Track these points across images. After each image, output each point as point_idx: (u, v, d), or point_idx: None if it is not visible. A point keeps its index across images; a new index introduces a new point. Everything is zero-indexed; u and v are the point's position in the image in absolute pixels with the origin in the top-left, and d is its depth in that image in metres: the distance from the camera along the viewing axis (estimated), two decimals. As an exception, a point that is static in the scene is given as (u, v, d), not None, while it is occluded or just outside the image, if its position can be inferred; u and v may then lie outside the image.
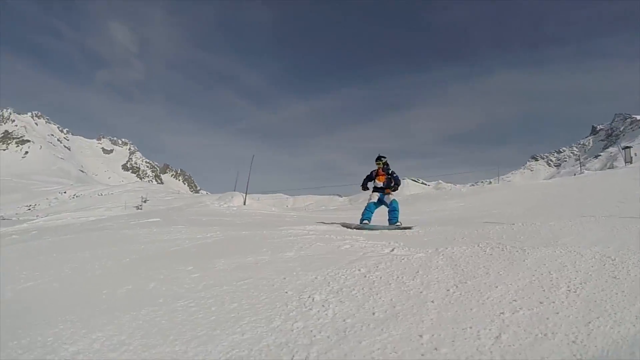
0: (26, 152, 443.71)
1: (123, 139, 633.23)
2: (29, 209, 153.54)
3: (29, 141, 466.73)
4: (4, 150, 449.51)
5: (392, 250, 4.88)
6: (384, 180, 8.74)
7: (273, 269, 4.11)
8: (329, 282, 3.56)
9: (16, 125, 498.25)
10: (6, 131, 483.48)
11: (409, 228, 7.48)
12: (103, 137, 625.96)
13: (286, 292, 3.33)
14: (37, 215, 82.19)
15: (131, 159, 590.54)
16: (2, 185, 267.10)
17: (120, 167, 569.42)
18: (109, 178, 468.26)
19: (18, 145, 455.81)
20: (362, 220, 8.36)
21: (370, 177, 8.92)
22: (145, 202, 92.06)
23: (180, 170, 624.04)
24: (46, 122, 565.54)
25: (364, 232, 7.24)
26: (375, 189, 8.82)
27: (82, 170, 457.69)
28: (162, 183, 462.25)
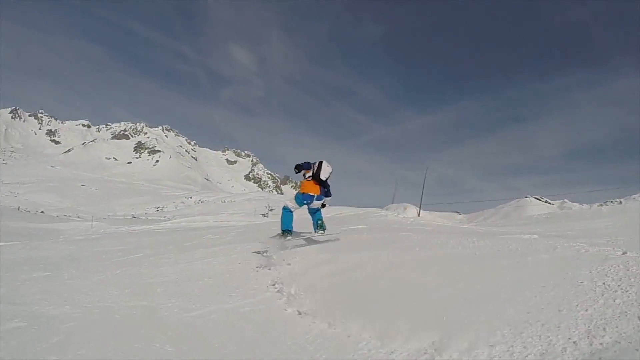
0: (157, 161, 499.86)
1: (246, 151, 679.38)
2: (157, 210, 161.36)
3: (159, 151, 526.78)
4: (137, 158, 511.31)
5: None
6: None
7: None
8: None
9: (148, 137, 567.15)
10: (139, 142, 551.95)
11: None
12: (227, 149, 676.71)
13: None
14: (165, 217, 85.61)
15: (253, 169, 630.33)
16: (135, 187, 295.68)
17: (243, 177, 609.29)
18: (232, 187, 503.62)
19: (150, 155, 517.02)
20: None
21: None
22: (271, 210, 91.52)
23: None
24: (175, 134, 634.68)
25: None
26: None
27: (207, 179, 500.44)
28: (282, 193, 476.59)
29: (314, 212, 8.62)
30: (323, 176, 8.29)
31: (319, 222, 8.48)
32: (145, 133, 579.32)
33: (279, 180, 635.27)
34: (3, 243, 16.47)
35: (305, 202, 8.36)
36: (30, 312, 4.12)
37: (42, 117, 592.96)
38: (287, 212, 8.36)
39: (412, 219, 14.89)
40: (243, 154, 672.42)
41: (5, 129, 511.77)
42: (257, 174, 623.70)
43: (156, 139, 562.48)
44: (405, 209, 17.29)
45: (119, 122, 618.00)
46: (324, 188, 8.46)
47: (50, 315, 4.06)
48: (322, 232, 8.31)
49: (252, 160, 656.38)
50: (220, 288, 5.23)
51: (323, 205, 8.65)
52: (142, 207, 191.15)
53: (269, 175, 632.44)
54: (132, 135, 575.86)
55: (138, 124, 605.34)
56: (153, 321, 4.01)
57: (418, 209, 17.10)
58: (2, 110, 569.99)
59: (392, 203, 19.99)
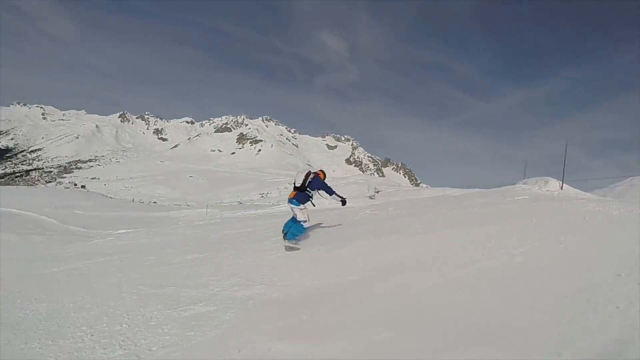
0: (259, 150, 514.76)
1: (346, 136, 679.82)
2: (262, 197, 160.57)
3: (261, 140, 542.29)
4: (240, 149, 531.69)
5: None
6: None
7: None
8: None
9: (249, 128, 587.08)
10: (241, 133, 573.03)
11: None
12: (327, 135, 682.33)
13: None
14: (269, 202, 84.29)
15: (354, 153, 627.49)
16: (239, 176, 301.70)
17: (344, 162, 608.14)
18: (333, 171, 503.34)
19: (252, 144, 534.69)
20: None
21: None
22: (377, 192, 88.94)
23: (401, 164, 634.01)
24: (275, 124, 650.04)
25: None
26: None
27: (309, 164, 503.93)
28: (383, 176, 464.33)
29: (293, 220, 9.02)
30: (297, 183, 8.80)
31: (285, 230, 8.96)
32: (247, 125, 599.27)
33: (379, 162, 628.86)
34: (132, 230, 21.98)
35: (290, 205, 8.95)
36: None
37: (148, 118, 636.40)
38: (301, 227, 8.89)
39: (556, 192, 14.58)
40: (343, 138, 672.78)
41: (116, 132, 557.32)
42: (358, 157, 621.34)
43: (257, 129, 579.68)
44: (547, 182, 15.44)
45: (220, 116, 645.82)
46: (303, 192, 8.78)
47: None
48: (286, 241, 8.73)
49: (352, 144, 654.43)
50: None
51: (343, 202, 9.26)
52: (246, 194, 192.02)
53: (369, 159, 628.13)
54: (234, 128, 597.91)
55: (239, 116, 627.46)
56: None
57: (560, 182, 15.43)
58: (112, 115, 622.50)
59: (525, 178, 17.31)
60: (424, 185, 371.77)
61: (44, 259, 12.19)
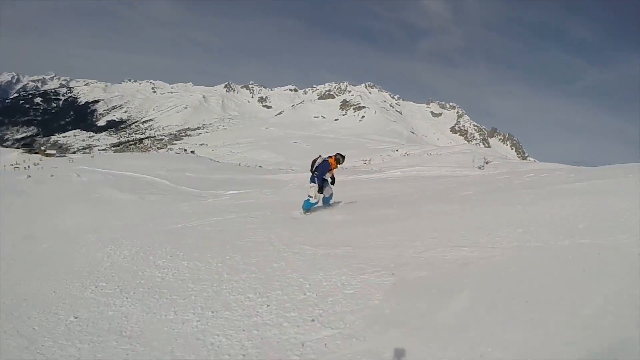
0: (362, 117, 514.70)
1: (451, 103, 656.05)
2: (365, 163, 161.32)
3: (364, 107, 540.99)
4: (344, 115, 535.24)
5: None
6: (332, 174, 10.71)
7: None
8: None
9: (352, 95, 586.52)
10: (344, 100, 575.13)
11: None
12: (432, 102, 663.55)
13: None
14: (371, 168, 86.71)
15: (459, 122, 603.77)
16: (342, 142, 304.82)
17: (449, 130, 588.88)
18: (438, 139, 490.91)
19: (355, 111, 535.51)
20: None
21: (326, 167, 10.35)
22: (487, 162, 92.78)
23: (508, 135, 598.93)
24: (378, 90, 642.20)
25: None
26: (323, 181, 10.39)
27: (412, 132, 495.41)
28: (489, 147, 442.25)
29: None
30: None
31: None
32: (349, 91, 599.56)
33: (486, 132, 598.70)
34: (244, 190, 21.04)
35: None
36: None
37: (252, 87, 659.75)
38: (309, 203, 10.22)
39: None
40: (448, 105, 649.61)
41: (222, 101, 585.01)
42: (463, 126, 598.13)
43: (360, 95, 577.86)
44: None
45: (323, 83, 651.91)
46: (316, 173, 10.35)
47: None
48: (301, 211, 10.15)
49: (457, 112, 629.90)
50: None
51: (332, 182, 10.75)
52: (349, 160, 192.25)
53: (475, 127, 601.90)
54: (337, 95, 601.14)
55: (342, 83, 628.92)
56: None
57: (690, 162, 14.01)
58: (218, 86, 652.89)
59: None
60: (531, 159, 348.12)
61: (165, 215, 12.52)
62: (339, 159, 10.60)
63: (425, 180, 24.27)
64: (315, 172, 10.27)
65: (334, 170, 10.61)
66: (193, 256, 6.17)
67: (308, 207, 10.02)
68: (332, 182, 10.65)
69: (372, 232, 6.54)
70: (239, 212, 11.73)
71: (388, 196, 13.37)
